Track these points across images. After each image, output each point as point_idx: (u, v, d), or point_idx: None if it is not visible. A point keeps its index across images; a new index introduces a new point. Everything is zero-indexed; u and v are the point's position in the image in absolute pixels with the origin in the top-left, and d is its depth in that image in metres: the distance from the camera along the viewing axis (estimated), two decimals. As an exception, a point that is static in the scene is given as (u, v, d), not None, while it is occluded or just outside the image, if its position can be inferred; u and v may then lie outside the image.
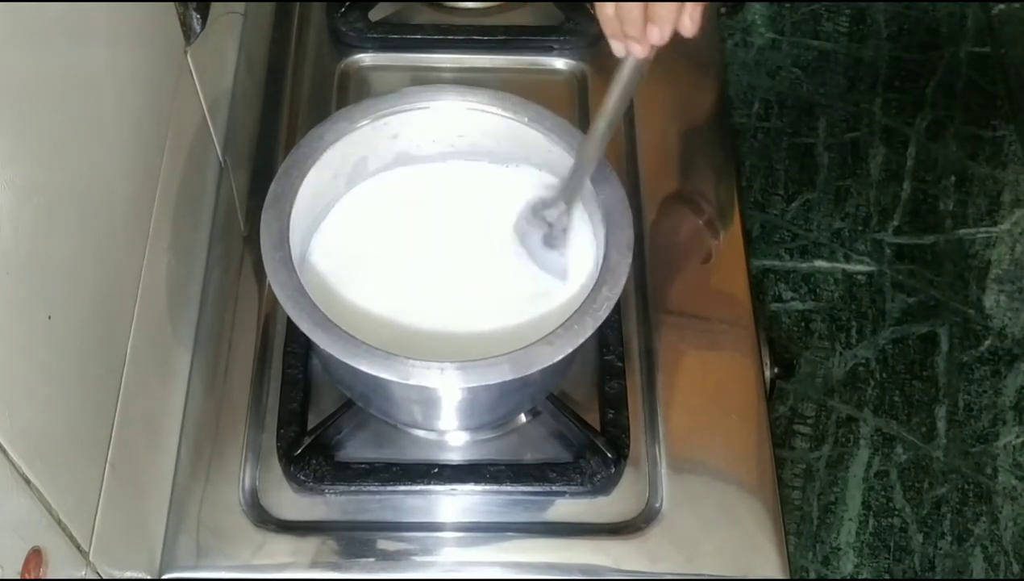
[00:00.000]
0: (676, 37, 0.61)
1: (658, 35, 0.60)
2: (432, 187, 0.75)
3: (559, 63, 0.93)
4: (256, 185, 0.84)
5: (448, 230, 0.73)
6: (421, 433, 0.74)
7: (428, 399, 0.68)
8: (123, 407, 0.62)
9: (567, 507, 0.72)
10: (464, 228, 0.73)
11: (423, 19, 0.95)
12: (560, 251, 0.70)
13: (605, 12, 0.61)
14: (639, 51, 0.62)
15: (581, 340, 0.62)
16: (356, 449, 0.74)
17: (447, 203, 0.74)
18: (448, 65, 0.92)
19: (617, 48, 0.62)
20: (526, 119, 0.71)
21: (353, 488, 0.71)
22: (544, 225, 0.70)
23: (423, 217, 0.74)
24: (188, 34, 0.74)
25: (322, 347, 0.61)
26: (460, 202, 0.74)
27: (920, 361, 1.53)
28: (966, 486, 1.44)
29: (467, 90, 0.72)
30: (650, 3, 0.59)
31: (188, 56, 0.75)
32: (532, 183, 0.73)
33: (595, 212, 0.69)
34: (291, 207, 0.66)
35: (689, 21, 0.60)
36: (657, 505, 0.72)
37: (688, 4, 0.59)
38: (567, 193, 0.69)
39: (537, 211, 0.70)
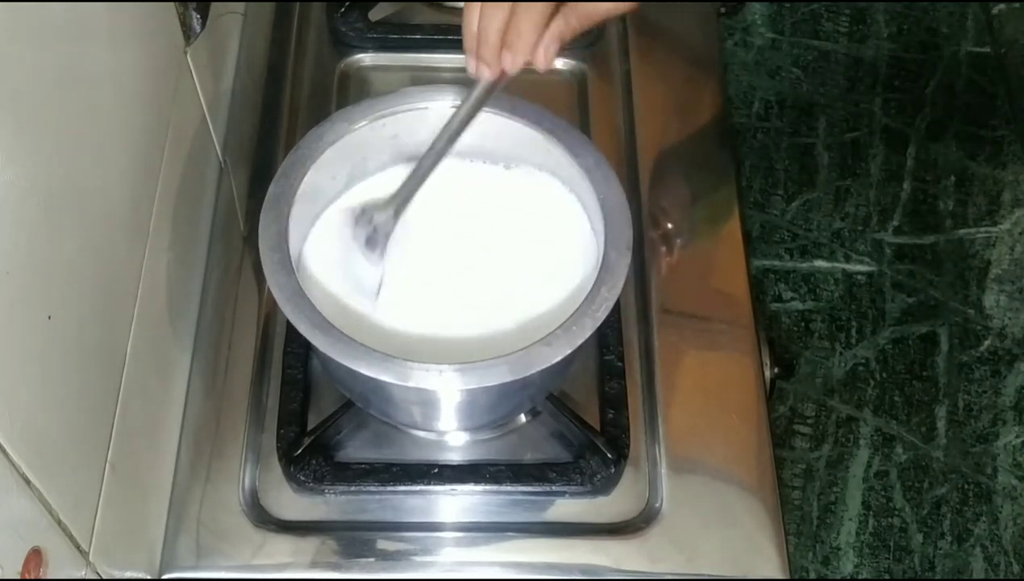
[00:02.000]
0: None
1: (510, 63, 0.60)
2: (429, 186, 0.74)
3: (559, 63, 0.93)
4: (256, 185, 0.84)
5: (446, 230, 0.73)
6: (421, 433, 0.74)
7: (427, 401, 0.68)
8: (123, 407, 0.62)
9: (567, 507, 0.72)
10: (462, 228, 0.73)
11: (423, 19, 0.95)
12: (378, 253, 0.69)
13: (468, 28, 0.61)
14: (487, 75, 0.62)
15: (580, 341, 0.62)
16: (356, 449, 0.74)
17: (445, 203, 0.74)
18: (448, 65, 0.92)
19: (470, 66, 0.62)
20: (526, 119, 0.71)
21: (353, 488, 0.71)
22: (370, 226, 0.68)
23: (421, 216, 0.74)
24: (188, 34, 0.74)
25: (320, 349, 0.61)
26: (458, 202, 0.74)
27: (920, 361, 1.53)
28: (966, 486, 1.44)
29: (467, 90, 0.72)
30: (509, 30, 0.59)
31: (188, 56, 0.75)
32: (531, 183, 0.73)
33: (595, 212, 0.69)
34: (290, 208, 0.66)
35: (543, 55, 0.60)
36: (657, 505, 0.72)
37: (546, 37, 0.59)
38: (397, 200, 0.68)
39: (367, 211, 0.69)
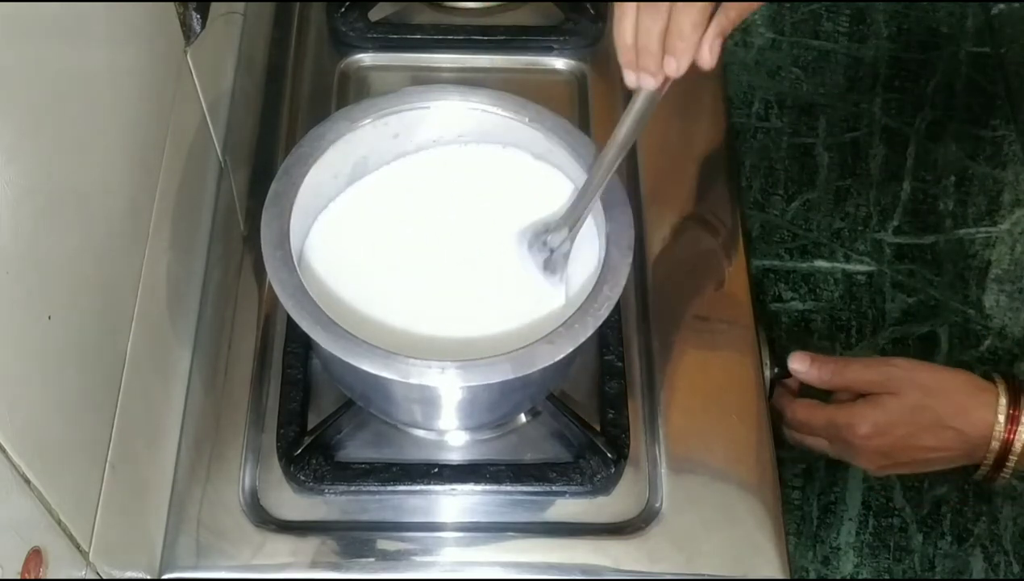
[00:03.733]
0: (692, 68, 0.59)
1: (675, 68, 0.59)
2: (431, 181, 0.74)
3: (559, 63, 0.93)
4: (256, 185, 0.84)
5: (448, 226, 0.73)
6: (421, 433, 0.74)
7: (428, 398, 0.68)
8: (123, 407, 0.62)
9: (567, 507, 0.72)
10: (465, 223, 0.73)
11: (423, 19, 0.95)
12: (559, 276, 0.69)
13: (623, 41, 0.59)
14: (652, 84, 0.60)
15: (582, 339, 0.62)
16: (356, 449, 0.74)
17: (447, 198, 0.74)
18: (448, 65, 0.92)
19: (630, 79, 0.61)
20: (526, 119, 0.71)
21: (353, 488, 0.71)
22: (546, 250, 0.68)
23: (422, 212, 0.73)
24: (188, 34, 0.74)
25: (322, 346, 0.61)
26: (461, 197, 0.74)
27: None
28: (966, 486, 1.44)
29: (467, 90, 0.72)
30: (670, 34, 0.57)
31: (188, 56, 0.75)
32: (531, 173, 0.73)
33: (596, 212, 0.69)
34: (291, 206, 0.66)
35: (708, 53, 0.59)
36: (657, 505, 0.72)
37: (709, 34, 0.58)
38: (571, 218, 0.67)
39: (539, 234, 0.69)
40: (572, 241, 0.68)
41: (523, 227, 0.71)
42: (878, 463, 0.78)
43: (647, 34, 0.58)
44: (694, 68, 0.60)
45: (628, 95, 0.89)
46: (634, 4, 0.58)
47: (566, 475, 0.71)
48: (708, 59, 0.59)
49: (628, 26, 0.59)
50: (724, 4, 0.58)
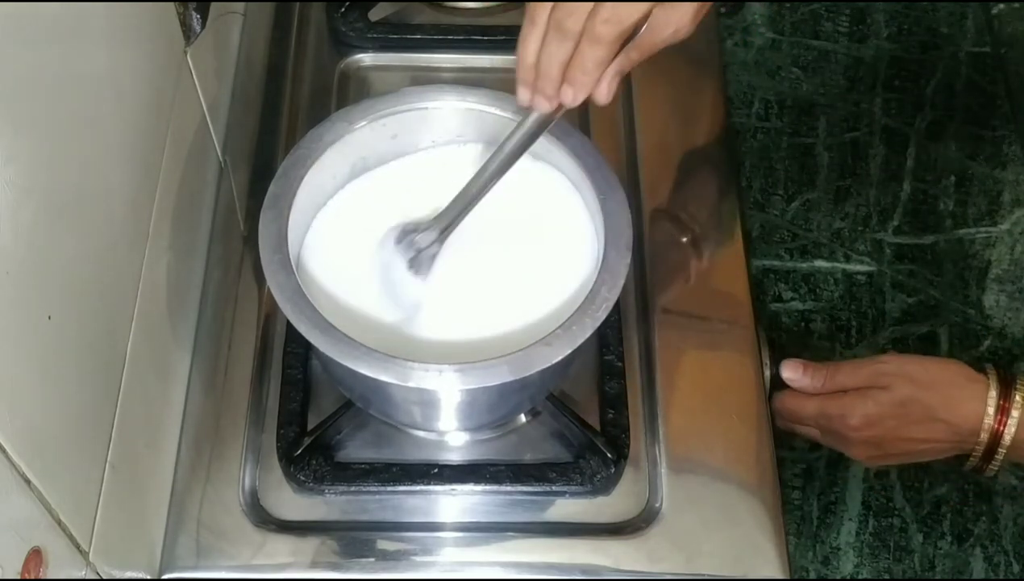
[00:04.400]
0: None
1: (571, 98, 0.59)
2: (430, 181, 0.74)
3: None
4: (256, 185, 0.84)
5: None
6: (421, 433, 0.74)
7: (427, 401, 0.68)
8: (123, 407, 0.62)
9: (567, 507, 0.72)
10: (462, 228, 0.73)
11: (423, 19, 0.95)
12: (422, 278, 0.68)
13: (525, 59, 0.59)
14: (546, 107, 0.60)
15: (580, 341, 0.62)
16: (356, 449, 0.74)
17: (446, 198, 0.74)
18: (448, 65, 0.92)
19: (523, 97, 0.61)
20: (526, 119, 0.71)
21: (353, 488, 0.71)
22: (412, 249, 0.68)
23: (421, 213, 0.73)
24: (188, 34, 0.74)
25: (321, 349, 0.61)
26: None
27: (920, 361, 1.53)
28: (966, 486, 1.44)
29: (467, 90, 0.72)
30: (573, 65, 0.57)
31: (188, 56, 0.75)
32: (533, 179, 0.73)
33: (595, 212, 0.68)
34: (289, 208, 0.66)
35: (606, 91, 0.59)
36: (657, 505, 0.72)
37: (609, 72, 0.58)
38: (444, 221, 0.67)
39: (407, 233, 0.68)
40: (441, 244, 0.67)
41: (392, 225, 0.70)
42: (868, 453, 0.79)
43: (549, 59, 0.58)
44: (586, 103, 0.60)
45: (628, 95, 0.90)
46: (543, 23, 0.58)
47: (566, 475, 0.71)
48: (604, 96, 0.59)
49: (533, 45, 0.59)
50: (627, 45, 0.58)
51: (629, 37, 0.57)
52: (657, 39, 0.59)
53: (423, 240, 0.67)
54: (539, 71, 0.59)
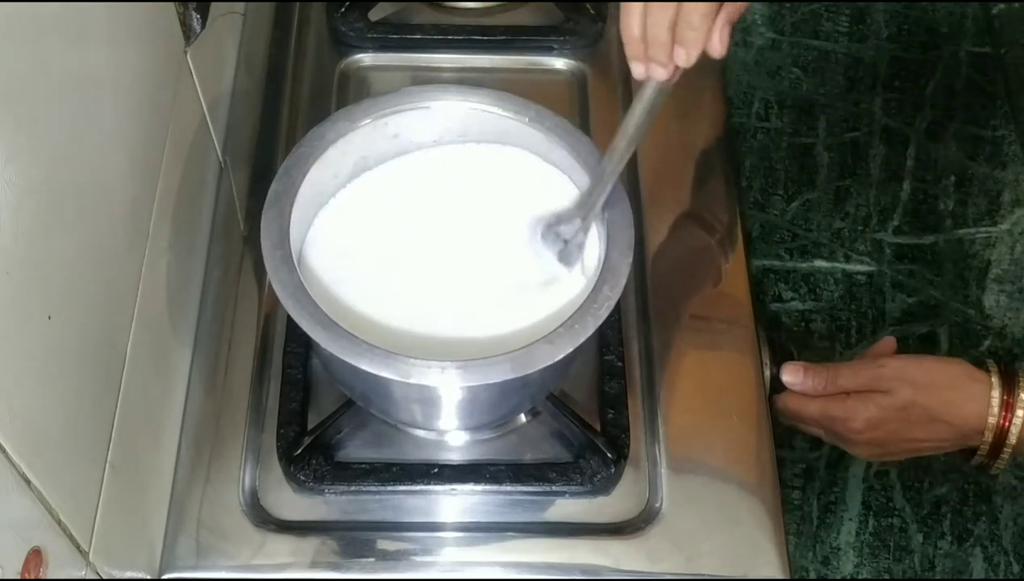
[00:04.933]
0: (703, 58, 0.59)
1: (686, 58, 0.59)
2: (431, 180, 0.74)
3: (559, 63, 0.93)
4: (256, 185, 0.84)
5: (448, 225, 0.73)
6: (421, 433, 0.74)
7: (428, 398, 0.68)
8: (123, 407, 0.62)
9: (567, 507, 0.72)
10: (464, 223, 0.73)
11: (423, 19, 0.95)
12: (577, 267, 0.69)
13: (631, 33, 0.59)
14: (662, 75, 0.60)
15: (582, 339, 0.62)
16: (356, 449, 0.74)
17: (446, 197, 0.74)
18: (448, 65, 0.92)
19: (638, 71, 0.61)
20: (526, 119, 0.71)
21: (353, 488, 0.71)
22: (559, 241, 0.68)
23: (422, 212, 0.73)
24: (188, 34, 0.74)
25: (323, 346, 0.61)
26: (460, 197, 0.74)
27: (920, 361, 1.53)
28: (966, 486, 1.44)
29: (467, 90, 0.72)
30: (679, 24, 0.57)
31: (188, 56, 0.75)
32: (531, 170, 0.73)
33: (596, 212, 0.68)
34: (291, 206, 0.66)
35: (719, 43, 0.58)
36: (657, 505, 0.72)
37: (718, 23, 0.58)
38: (584, 209, 0.67)
39: (551, 226, 0.69)
40: (586, 231, 0.68)
41: (534, 219, 0.70)
42: (871, 452, 0.79)
43: (657, 25, 0.58)
44: (703, 58, 0.59)
45: (628, 95, 0.90)
46: None
47: (566, 475, 0.71)
48: (719, 48, 0.59)
49: (636, 19, 0.59)
50: None
51: None
52: None
53: (567, 231, 0.68)
54: (648, 40, 0.59)
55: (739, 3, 0.58)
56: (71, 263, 0.54)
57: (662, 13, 0.58)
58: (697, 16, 0.57)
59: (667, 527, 0.71)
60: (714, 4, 0.57)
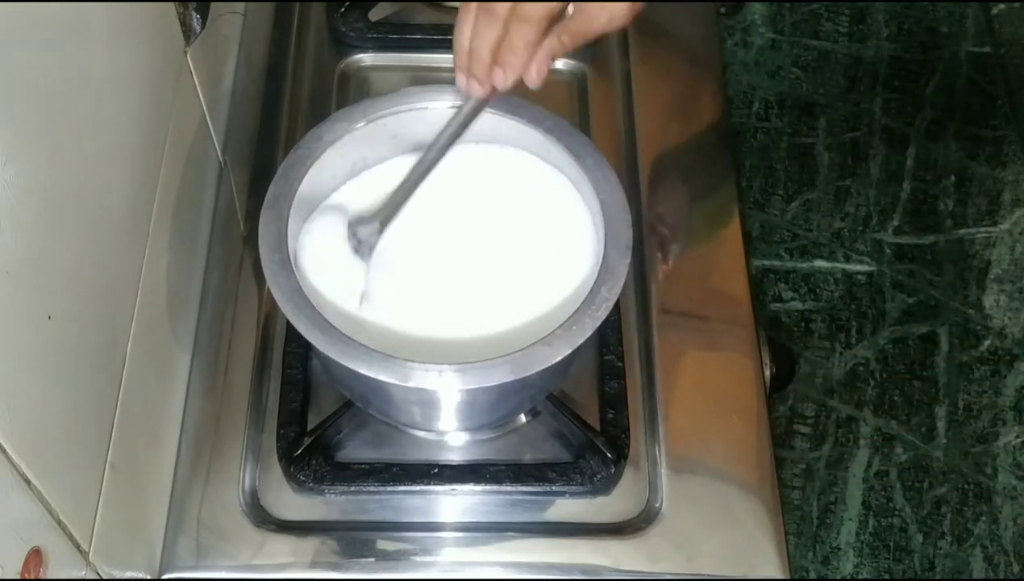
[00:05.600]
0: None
1: (502, 80, 0.60)
2: (429, 181, 0.74)
3: (559, 63, 0.92)
4: (256, 185, 0.84)
5: (445, 228, 0.73)
6: (421, 433, 0.74)
7: (427, 401, 0.68)
8: (123, 407, 0.62)
9: (567, 507, 0.72)
10: (463, 224, 0.73)
11: (423, 19, 0.95)
12: (364, 265, 0.69)
13: (460, 44, 0.60)
14: (479, 92, 0.61)
15: (580, 341, 0.62)
16: (356, 449, 0.74)
17: (445, 198, 0.74)
18: (448, 65, 0.91)
19: (460, 82, 0.62)
20: (526, 119, 0.71)
21: (353, 488, 0.71)
22: (354, 240, 0.69)
23: (420, 212, 0.73)
24: (188, 34, 0.74)
25: (320, 349, 0.61)
26: (459, 197, 0.74)
27: (920, 361, 1.54)
28: (966, 486, 1.44)
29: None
30: (502, 47, 0.58)
31: (188, 56, 0.75)
32: (530, 173, 0.73)
33: (595, 212, 0.68)
34: (289, 208, 0.66)
35: (535, 73, 0.59)
36: (657, 505, 0.72)
37: (540, 55, 0.59)
38: (383, 214, 0.68)
39: (353, 225, 0.69)
40: (379, 235, 0.68)
41: (342, 217, 0.70)
42: None
43: (480, 41, 0.59)
44: (519, 85, 0.60)
45: (628, 95, 0.90)
46: (474, 7, 0.58)
47: (566, 475, 0.71)
48: (535, 79, 0.60)
49: (466, 29, 0.60)
50: (558, 28, 0.58)
51: (556, 18, 0.58)
52: (592, 26, 0.59)
53: (364, 232, 0.68)
54: (471, 55, 0.60)
55: (564, 42, 0.59)
56: (71, 263, 0.54)
57: (489, 31, 0.58)
58: (521, 41, 0.58)
59: (667, 527, 0.71)
60: (539, 34, 0.58)
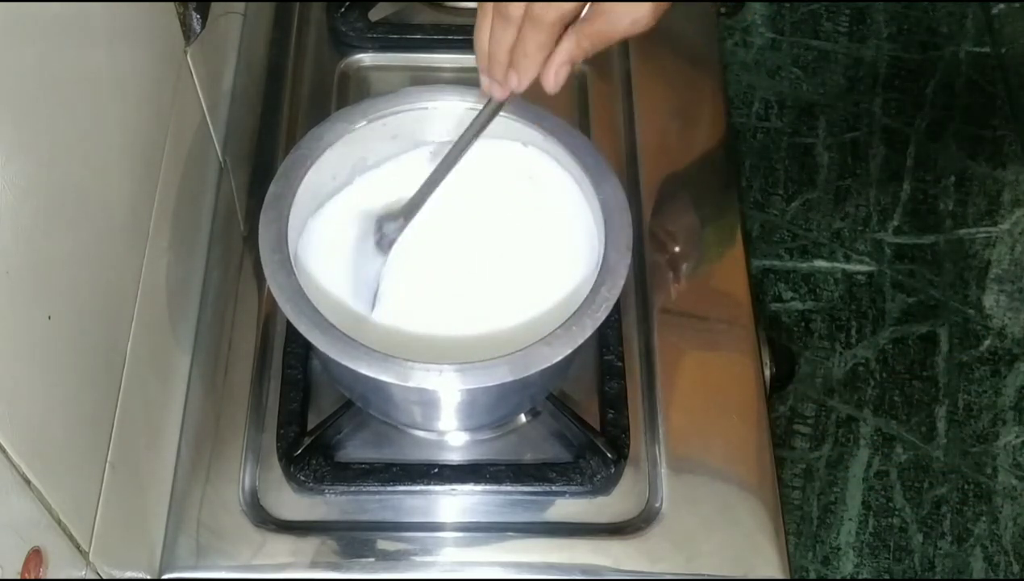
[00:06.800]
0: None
1: (516, 83, 0.59)
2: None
3: (559, 63, 0.93)
4: (256, 185, 0.84)
5: (447, 226, 0.73)
6: (421, 433, 0.74)
7: (427, 400, 0.68)
8: (123, 407, 0.62)
9: (567, 507, 0.72)
10: (463, 224, 0.73)
11: (423, 19, 0.95)
12: (383, 258, 0.70)
13: (479, 46, 0.60)
14: (498, 94, 0.61)
15: (580, 341, 0.62)
16: (356, 449, 0.74)
17: (445, 198, 0.74)
18: (448, 65, 0.92)
19: (483, 84, 0.62)
20: (526, 119, 0.71)
21: (353, 488, 0.71)
22: (379, 233, 0.69)
23: (420, 212, 0.73)
24: (188, 34, 0.74)
25: (321, 349, 0.61)
26: (459, 197, 0.74)
27: (920, 361, 1.54)
28: (966, 486, 1.44)
29: (467, 90, 0.72)
30: (516, 49, 0.58)
31: (188, 56, 0.75)
32: (530, 173, 0.73)
33: (595, 212, 0.69)
34: (289, 208, 0.66)
35: (552, 78, 0.59)
36: (657, 505, 0.72)
37: (556, 59, 0.58)
38: (407, 210, 0.68)
39: (381, 220, 0.70)
40: (402, 230, 0.69)
41: (348, 215, 0.71)
42: None
43: (497, 44, 0.58)
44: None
45: (628, 95, 0.90)
46: (490, 8, 0.58)
47: (566, 475, 0.71)
48: (551, 84, 0.59)
49: (484, 32, 0.59)
50: (577, 31, 0.57)
51: (570, 21, 0.57)
52: (613, 29, 0.58)
53: (388, 228, 0.69)
54: (490, 58, 0.59)
55: (584, 47, 0.58)
56: (71, 263, 0.54)
57: (503, 33, 0.58)
58: (534, 44, 0.57)
59: (667, 527, 0.71)
60: (551, 37, 0.57)
